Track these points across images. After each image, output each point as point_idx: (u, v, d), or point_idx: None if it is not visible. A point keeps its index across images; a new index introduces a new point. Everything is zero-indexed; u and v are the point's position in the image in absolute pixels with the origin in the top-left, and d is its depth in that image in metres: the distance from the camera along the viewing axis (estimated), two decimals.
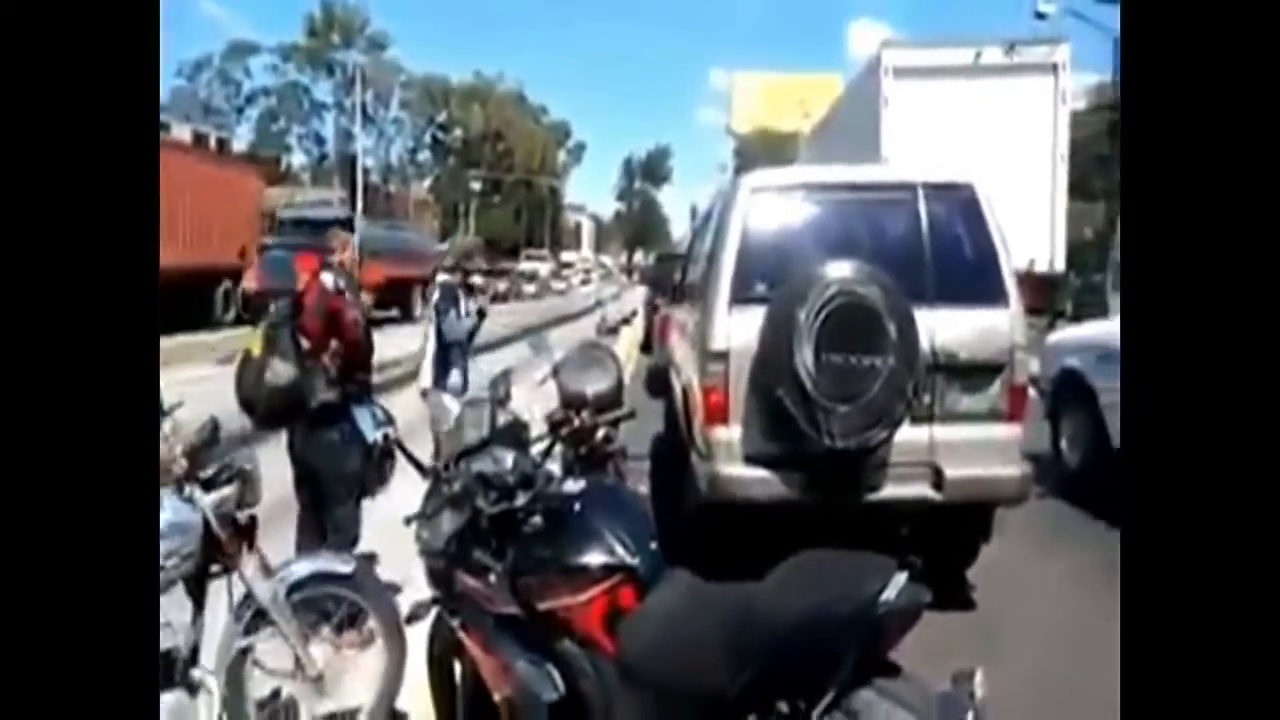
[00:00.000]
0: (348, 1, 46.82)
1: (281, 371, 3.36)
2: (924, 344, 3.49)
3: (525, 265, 47.12)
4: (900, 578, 1.58)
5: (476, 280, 5.32)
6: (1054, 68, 9.79)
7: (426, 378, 4.94)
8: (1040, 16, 14.72)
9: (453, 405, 2.36)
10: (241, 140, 47.22)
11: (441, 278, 5.17)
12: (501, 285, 33.10)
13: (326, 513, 3.51)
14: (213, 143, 38.32)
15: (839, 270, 3.46)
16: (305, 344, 3.48)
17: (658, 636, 1.84)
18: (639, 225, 76.64)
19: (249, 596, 2.53)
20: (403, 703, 2.78)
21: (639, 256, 58.65)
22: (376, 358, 3.96)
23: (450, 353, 4.93)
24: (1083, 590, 4.25)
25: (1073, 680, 3.22)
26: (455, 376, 4.90)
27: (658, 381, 5.69)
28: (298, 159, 52.24)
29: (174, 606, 2.50)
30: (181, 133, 38.05)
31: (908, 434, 3.56)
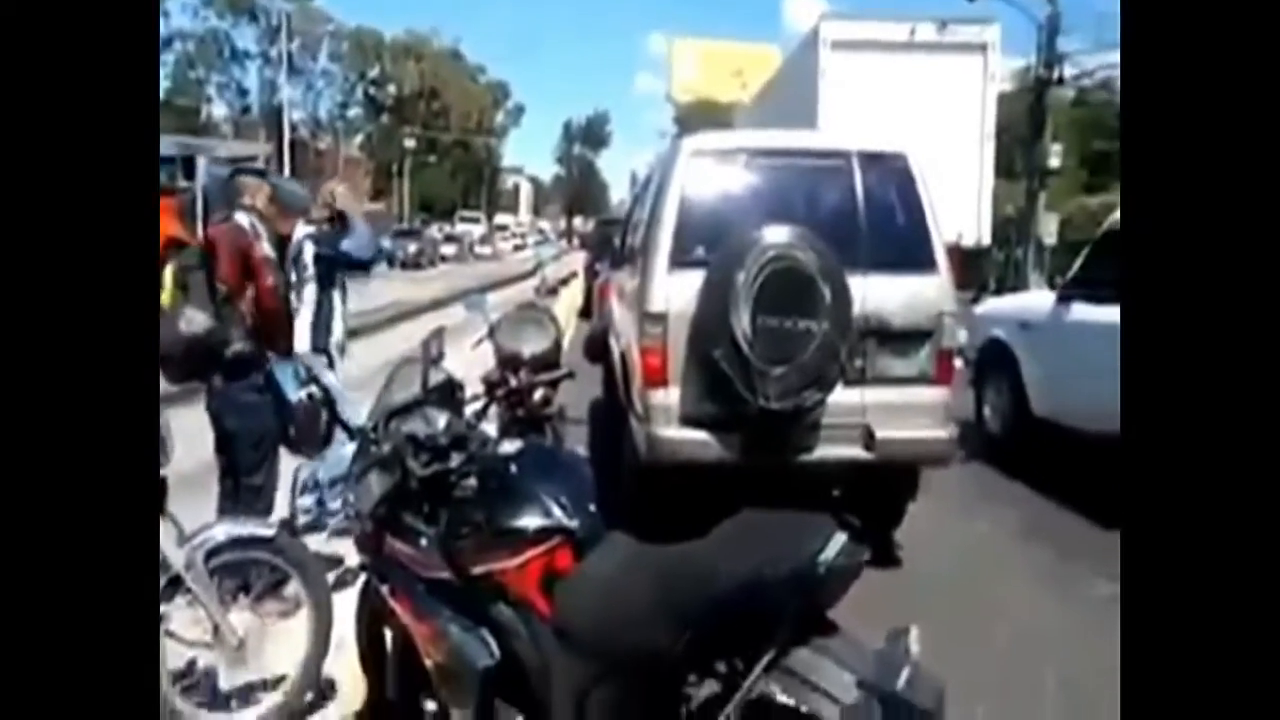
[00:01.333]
0: None
1: (196, 320, 3.08)
2: (857, 309, 3.53)
3: (459, 227, 44.80)
4: (839, 537, 1.59)
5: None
6: (983, 47, 10.04)
7: (304, 339, 4.00)
8: None
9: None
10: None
11: (308, 229, 4.17)
12: (411, 248, 30.28)
13: (242, 475, 3.31)
14: None
15: (776, 235, 3.47)
16: (220, 289, 3.20)
17: (595, 599, 1.83)
18: (578, 190, 75.75)
19: (162, 563, 2.41)
20: (330, 670, 2.70)
21: (578, 221, 57.76)
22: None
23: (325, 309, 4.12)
24: (1002, 547, 4.45)
25: (992, 634, 3.36)
26: (338, 334, 4.17)
27: (597, 346, 5.63)
28: (219, 110, 49.62)
29: None
30: None
31: (840, 396, 3.62)
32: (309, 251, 4.02)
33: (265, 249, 3.28)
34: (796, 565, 1.57)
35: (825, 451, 3.69)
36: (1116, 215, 6.08)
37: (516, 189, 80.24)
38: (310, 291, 4.02)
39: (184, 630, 2.49)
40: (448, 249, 34.89)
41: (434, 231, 40.09)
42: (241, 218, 3.33)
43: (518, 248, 45.71)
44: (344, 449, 3.02)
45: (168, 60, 47.40)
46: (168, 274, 3.13)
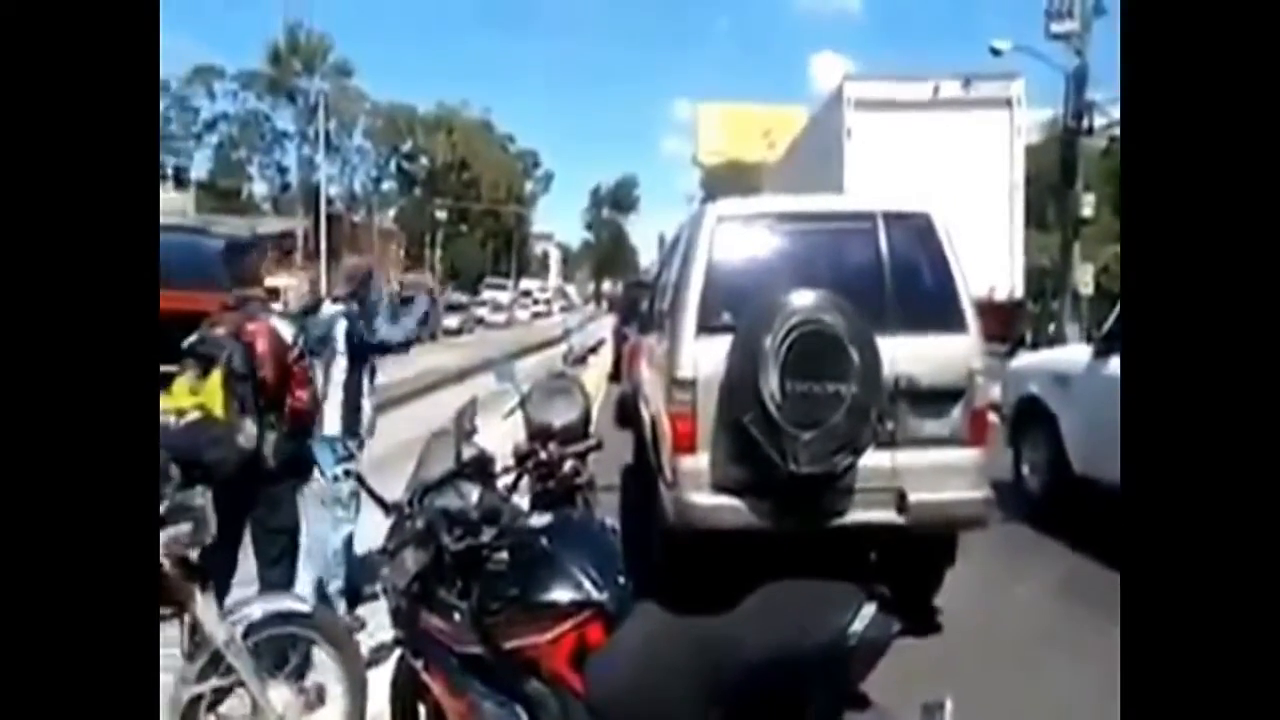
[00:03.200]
0: (311, 28, 46.68)
1: (249, 432, 3.01)
2: (886, 370, 3.53)
3: (485, 294, 44.57)
4: (869, 608, 1.57)
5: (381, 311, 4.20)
6: (1009, 102, 10.14)
7: (334, 422, 3.84)
8: (995, 53, 15.24)
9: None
10: (200, 169, 46.62)
11: (338, 307, 4.05)
12: (454, 321, 29.55)
13: (266, 568, 3.23)
14: (169, 171, 37.78)
15: (803, 299, 3.50)
16: (261, 396, 3.08)
17: (626, 674, 1.81)
18: (606, 254, 76.96)
19: (203, 640, 2.44)
20: None
21: (607, 285, 58.28)
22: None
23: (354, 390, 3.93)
24: (1047, 610, 4.30)
25: (1032, 701, 3.24)
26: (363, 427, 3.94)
27: (627, 410, 5.65)
28: (259, 188, 51.66)
29: None
30: None
31: (871, 459, 3.59)
32: (341, 331, 3.92)
33: (301, 355, 3.27)
34: (826, 638, 1.55)
35: (857, 516, 3.64)
36: None
37: (546, 255, 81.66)
38: (339, 371, 3.90)
39: (224, 707, 2.50)
40: (450, 320, 31.16)
41: (477, 301, 40.09)
42: (282, 326, 3.25)
43: (537, 315, 43.58)
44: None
45: (210, 142, 49.72)
46: (217, 378, 2.98)
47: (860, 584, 1.64)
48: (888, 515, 3.65)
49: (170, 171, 37.60)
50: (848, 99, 10.18)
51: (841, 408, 3.40)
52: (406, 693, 2.34)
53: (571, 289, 70.73)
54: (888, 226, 3.88)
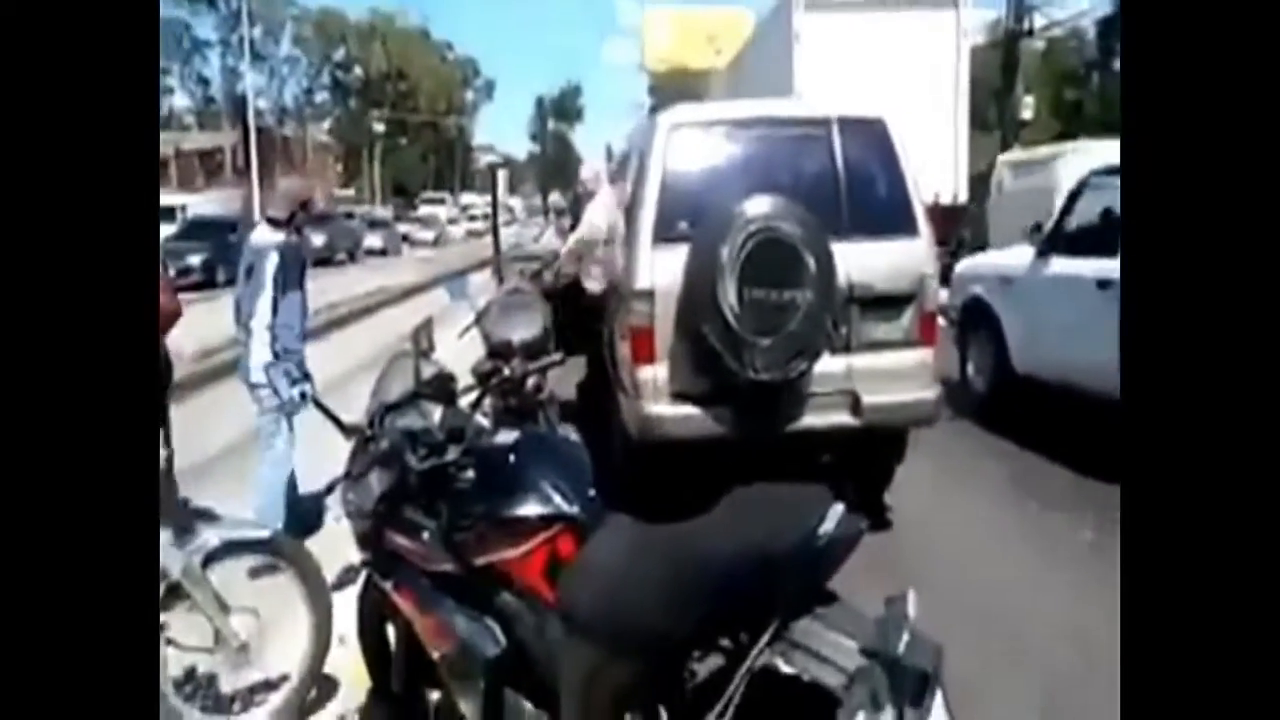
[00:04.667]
0: None
1: None
2: (840, 276, 3.55)
3: (423, 210, 40.85)
4: (837, 508, 1.60)
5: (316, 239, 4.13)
6: (955, 2, 9.96)
7: (257, 372, 3.64)
8: None
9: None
10: None
11: (275, 236, 3.76)
12: (377, 241, 25.69)
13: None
14: None
15: (759, 206, 3.47)
16: None
17: (599, 584, 1.83)
18: (552, 165, 75.00)
19: (160, 571, 2.40)
20: (332, 667, 2.72)
21: (554, 197, 57.13)
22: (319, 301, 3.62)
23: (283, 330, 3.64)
24: (993, 502, 4.52)
25: (984, 589, 3.43)
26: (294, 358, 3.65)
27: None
28: (181, 101, 48.58)
29: None
30: None
31: (826, 364, 3.66)
32: (271, 265, 3.65)
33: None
34: (797, 539, 1.58)
35: (814, 420, 3.72)
36: (1091, 165, 6.10)
37: (490, 169, 79.20)
38: (264, 306, 3.64)
39: (184, 636, 2.48)
40: (372, 239, 26.89)
41: (410, 217, 35.84)
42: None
43: (473, 233, 35.75)
44: None
45: None
46: None
47: (827, 484, 1.67)
48: (843, 418, 3.74)
49: None
50: (796, 1, 9.90)
51: (798, 314, 3.43)
52: (373, 614, 2.36)
53: (516, 202, 68.83)
54: (842, 132, 3.84)
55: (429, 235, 33.56)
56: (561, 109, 74.82)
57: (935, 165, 9.07)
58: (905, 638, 1.52)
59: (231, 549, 2.54)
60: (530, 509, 1.93)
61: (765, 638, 1.57)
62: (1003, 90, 16.94)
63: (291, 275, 3.64)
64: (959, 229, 10.71)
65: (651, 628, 1.67)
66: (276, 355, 3.56)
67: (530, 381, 2.52)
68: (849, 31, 9.64)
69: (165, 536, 2.37)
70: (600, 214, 4.39)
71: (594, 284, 4.31)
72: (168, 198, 19.20)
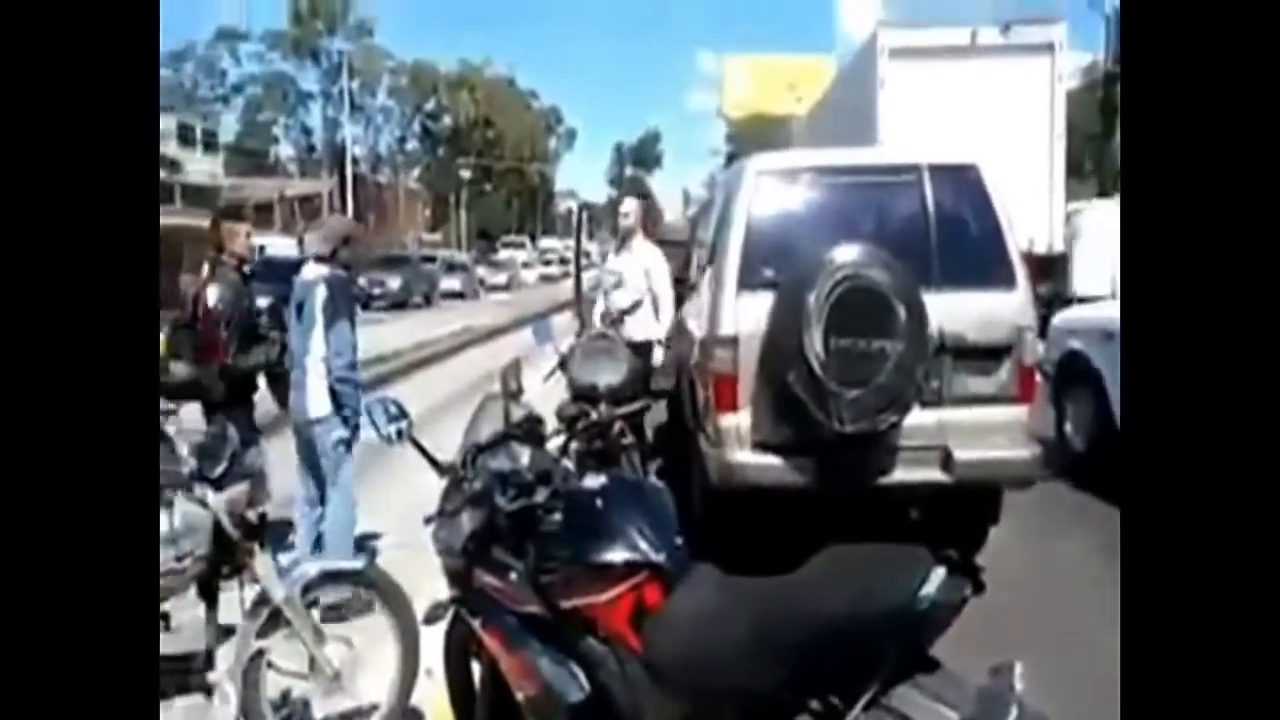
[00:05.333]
0: None
1: (180, 370, 3.71)
2: (932, 327, 3.46)
3: (501, 254, 41.84)
4: (939, 571, 1.55)
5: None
6: (1050, 47, 9.70)
7: (315, 407, 3.65)
8: None
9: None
10: (227, 132, 46.71)
11: (321, 270, 3.76)
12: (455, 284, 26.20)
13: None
14: (198, 135, 37.90)
15: (847, 254, 3.43)
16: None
17: (686, 634, 1.81)
18: None
19: (263, 598, 2.50)
20: (419, 700, 2.75)
21: None
22: (376, 350, 3.83)
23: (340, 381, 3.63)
24: (1087, 571, 4.26)
25: (1078, 665, 3.21)
26: (347, 411, 3.65)
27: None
28: (285, 150, 51.76)
29: (187, 610, 2.47)
30: (167, 124, 37.54)
31: (917, 417, 3.54)
32: (320, 297, 3.65)
33: (219, 335, 3.85)
34: (897, 602, 1.53)
35: (902, 475, 3.61)
36: None
37: (569, 213, 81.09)
38: (317, 341, 3.65)
39: (283, 661, 2.57)
40: (449, 282, 27.16)
41: (490, 260, 36.47)
42: (211, 293, 3.87)
43: (546, 278, 37.54)
44: None
45: (237, 105, 49.80)
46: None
47: (929, 547, 1.61)
48: (933, 474, 3.62)
49: (199, 135, 37.76)
50: (881, 47, 9.81)
51: (887, 365, 3.35)
52: (460, 650, 2.38)
53: (594, 247, 69.83)
54: (933, 179, 3.78)
55: (502, 279, 34.01)
56: (640, 156, 76.32)
57: (1030, 214, 8.81)
58: (1013, 712, 1.44)
59: (327, 579, 2.62)
60: (617, 555, 1.92)
61: (860, 703, 1.52)
62: (1100, 135, 16.43)
63: (340, 306, 3.64)
64: (1055, 279, 10.30)
65: (737, 683, 1.63)
66: (332, 389, 3.60)
67: (615, 425, 2.53)
68: (937, 78, 9.50)
69: (268, 564, 2.47)
70: (631, 268, 4.44)
71: (664, 381, 4.39)
72: (270, 238, 20.41)
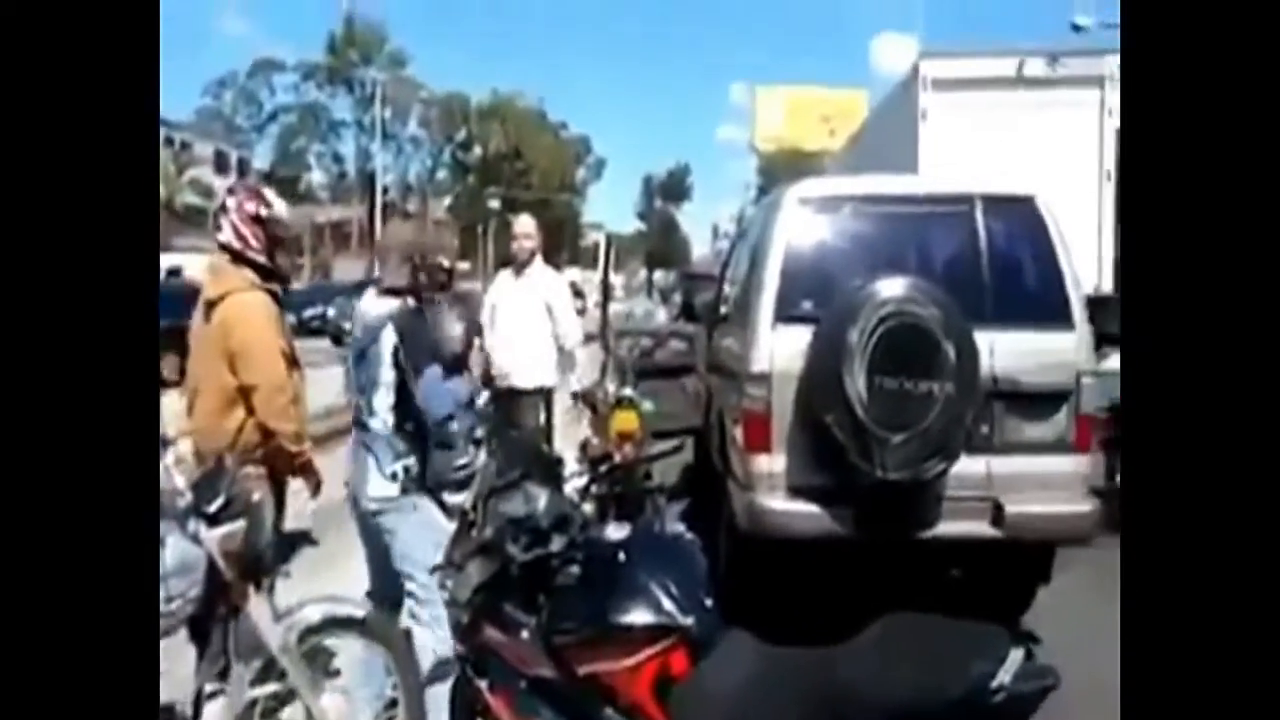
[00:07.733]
0: (368, 18, 47.43)
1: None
2: (984, 369, 3.24)
3: None
4: (1016, 655, 1.34)
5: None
6: (1100, 80, 9.45)
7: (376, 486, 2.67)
8: (1076, 29, 14.37)
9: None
10: (261, 159, 47.80)
11: (386, 304, 2.77)
12: None
13: None
14: (233, 161, 38.84)
15: (892, 288, 3.23)
16: None
17: (717, 709, 1.61)
18: (657, 244, 76.58)
19: (258, 644, 2.31)
20: None
21: (658, 275, 58.12)
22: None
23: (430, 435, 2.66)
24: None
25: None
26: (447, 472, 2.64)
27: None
28: (317, 177, 52.77)
29: (176, 654, 2.31)
30: (204, 151, 38.54)
31: (965, 465, 3.30)
32: (389, 342, 2.68)
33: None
34: (967, 688, 1.32)
35: (948, 528, 3.36)
36: None
37: (597, 245, 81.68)
38: (384, 398, 2.68)
39: (278, 712, 2.40)
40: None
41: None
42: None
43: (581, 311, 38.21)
44: None
45: (272, 133, 51.05)
46: None
47: (1006, 626, 1.40)
48: (981, 528, 3.36)
49: (235, 162, 38.64)
50: (923, 78, 9.61)
51: (934, 408, 3.12)
52: (466, 712, 2.17)
53: (618, 280, 70.22)
54: (987, 210, 3.57)
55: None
56: (670, 188, 76.90)
57: (1078, 253, 8.53)
58: None
59: (328, 626, 2.44)
60: (640, 618, 1.74)
61: None
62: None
63: (419, 353, 2.64)
64: (1106, 322, 9.95)
65: None
66: (407, 469, 2.63)
67: (641, 469, 2.33)
68: (981, 110, 9.29)
69: (266, 611, 2.29)
70: (527, 297, 4.08)
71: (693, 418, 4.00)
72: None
